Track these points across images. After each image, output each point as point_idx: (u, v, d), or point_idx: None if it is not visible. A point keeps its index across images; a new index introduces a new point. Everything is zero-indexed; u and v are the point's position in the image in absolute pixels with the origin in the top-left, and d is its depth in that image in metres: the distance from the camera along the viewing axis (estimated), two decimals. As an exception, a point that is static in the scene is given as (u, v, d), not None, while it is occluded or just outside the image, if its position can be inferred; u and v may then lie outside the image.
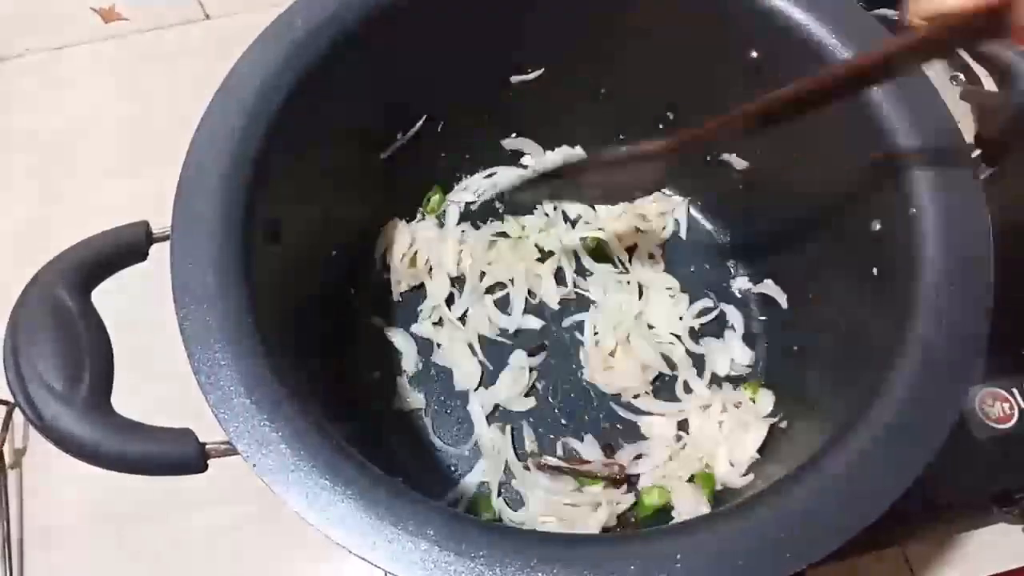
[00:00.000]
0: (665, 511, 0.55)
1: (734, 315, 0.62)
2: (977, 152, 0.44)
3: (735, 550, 0.34)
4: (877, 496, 0.36)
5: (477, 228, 0.65)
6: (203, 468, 0.38)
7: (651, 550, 0.34)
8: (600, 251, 0.64)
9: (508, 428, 0.58)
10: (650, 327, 0.61)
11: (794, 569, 0.34)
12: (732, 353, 0.60)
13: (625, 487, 0.56)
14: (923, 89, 0.45)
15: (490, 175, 0.67)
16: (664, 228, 0.65)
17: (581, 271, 0.63)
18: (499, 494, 0.56)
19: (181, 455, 0.37)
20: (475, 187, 0.66)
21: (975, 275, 0.40)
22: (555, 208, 0.65)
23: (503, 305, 0.62)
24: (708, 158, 0.61)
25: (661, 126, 0.61)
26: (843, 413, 0.41)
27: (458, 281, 0.63)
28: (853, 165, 0.47)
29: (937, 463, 0.36)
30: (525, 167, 0.66)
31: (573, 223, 0.65)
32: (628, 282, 0.62)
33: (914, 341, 0.39)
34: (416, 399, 0.60)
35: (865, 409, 0.38)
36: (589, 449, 0.57)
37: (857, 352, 0.47)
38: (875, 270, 0.46)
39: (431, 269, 0.63)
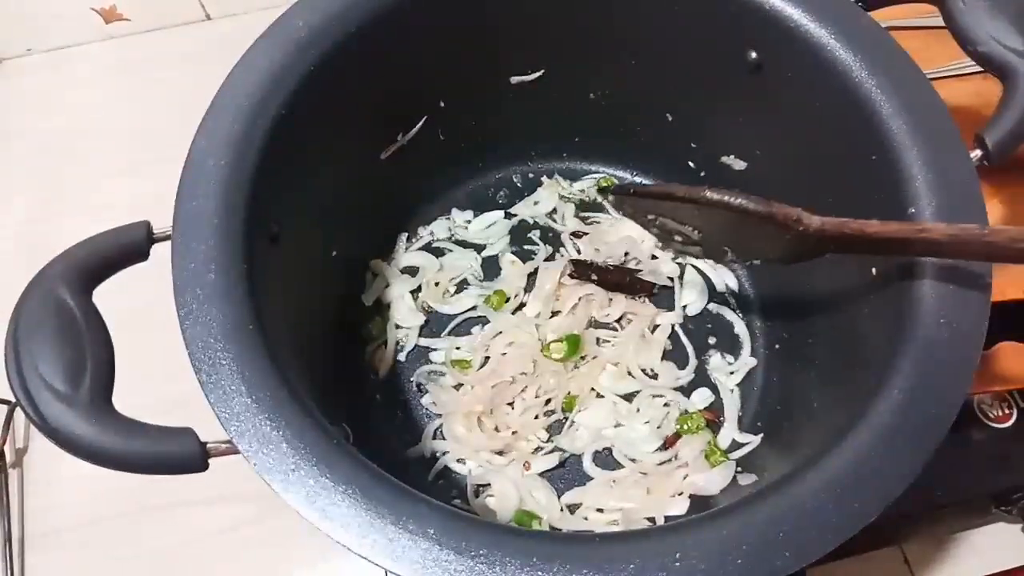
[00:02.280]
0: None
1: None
2: (976, 152, 0.44)
3: (734, 549, 0.34)
4: (876, 495, 0.36)
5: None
6: (204, 467, 0.38)
7: (651, 549, 0.34)
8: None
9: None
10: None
11: (793, 568, 0.34)
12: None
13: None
14: (922, 88, 0.45)
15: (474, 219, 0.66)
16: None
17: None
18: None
19: (182, 454, 0.37)
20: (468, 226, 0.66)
21: (974, 274, 0.40)
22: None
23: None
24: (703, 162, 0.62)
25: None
26: (842, 413, 0.41)
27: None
28: (851, 165, 0.47)
29: (936, 463, 0.36)
30: (512, 215, 0.66)
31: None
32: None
33: (913, 341, 0.39)
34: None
35: (864, 409, 0.38)
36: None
37: (856, 352, 0.47)
38: (874, 270, 0.46)
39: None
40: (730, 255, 0.50)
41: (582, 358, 0.60)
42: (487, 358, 0.60)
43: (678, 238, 0.51)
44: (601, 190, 0.53)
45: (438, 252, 0.65)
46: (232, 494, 0.59)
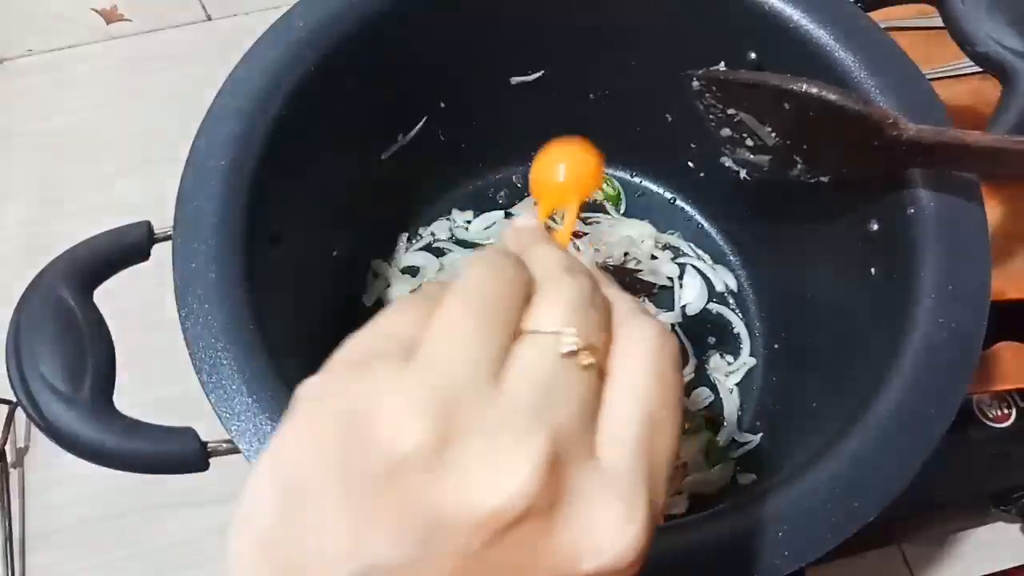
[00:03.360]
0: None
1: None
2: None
3: (732, 548, 0.34)
4: (876, 495, 0.36)
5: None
6: (205, 467, 0.38)
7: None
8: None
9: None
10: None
11: (793, 567, 0.34)
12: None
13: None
14: (922, 89, 0.45)
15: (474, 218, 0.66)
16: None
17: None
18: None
19: (183, 454, 0.37)
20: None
21: (973, 274, 0.40)
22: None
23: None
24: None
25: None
26: (842, 412, 0.41)
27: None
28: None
29: (935, 462, 0.36)
30: (513, 215, 0.66)
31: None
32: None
33: (912, 341, 0.39)
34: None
35: (863, 409, 0.38)
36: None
37: (856, 352, 0.47)
38: (873, 270, 0.46)
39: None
40: (799, 167, 0.47)
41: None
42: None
43: (750, 142, 0.48)
44: (685, 76, 0.48)
45: (439, 252, 0.65)
46: (232, 494, 0.59)
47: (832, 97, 0.41)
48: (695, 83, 0.47)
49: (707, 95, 0.47)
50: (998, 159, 0.39)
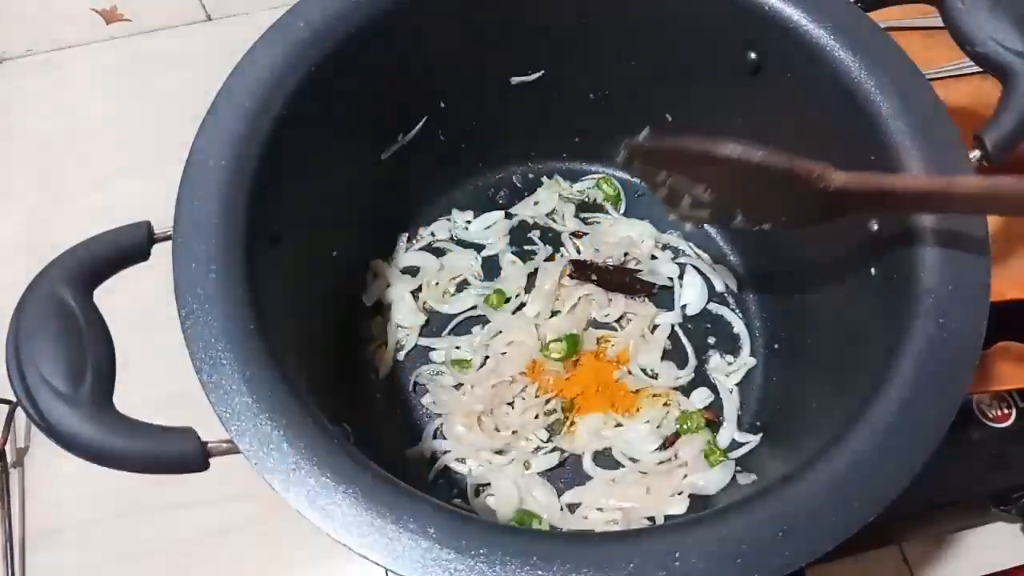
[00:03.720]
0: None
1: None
2: (976, 152, 0.44)
3: (734, 548, 0.34)
4: (876, 495, 0.36)
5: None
6: (205, 467, 0.38)
7: (650, 548, 0.34)
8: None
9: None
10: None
11: (793, 567, 0.34)
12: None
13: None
14: (922, 89, 0.45)
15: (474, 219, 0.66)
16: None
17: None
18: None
19: (183, 454, 0.37)
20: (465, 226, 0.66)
21: (973, 274, 0.41)
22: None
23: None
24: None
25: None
26: (842, 412, 0.41)
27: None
28: (850, 167, 0.47)
29: (935, 462, 0.36)
30: (512, 215, 0.66)
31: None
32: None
33: (912, 341, 0.39)
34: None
35: (863, 409, 0.38)
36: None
37: (856, 352, 0.47)
38: (873, 270, 0.46)
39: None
40: (740, 218, 0.46)
41: (582, 358, 0.60)
42: (487, 358, 0.60)
43: (687, 200, 0.47)
44: (624, 145, 0.47)
45: (439, 252, 0.65)
46: (232, 494, 0.59)
47: (755, 159, 0.41)
48: (622, 152, 0.47)
49: (637, 162, 0.47)
50: (933, 201, 0.39)
